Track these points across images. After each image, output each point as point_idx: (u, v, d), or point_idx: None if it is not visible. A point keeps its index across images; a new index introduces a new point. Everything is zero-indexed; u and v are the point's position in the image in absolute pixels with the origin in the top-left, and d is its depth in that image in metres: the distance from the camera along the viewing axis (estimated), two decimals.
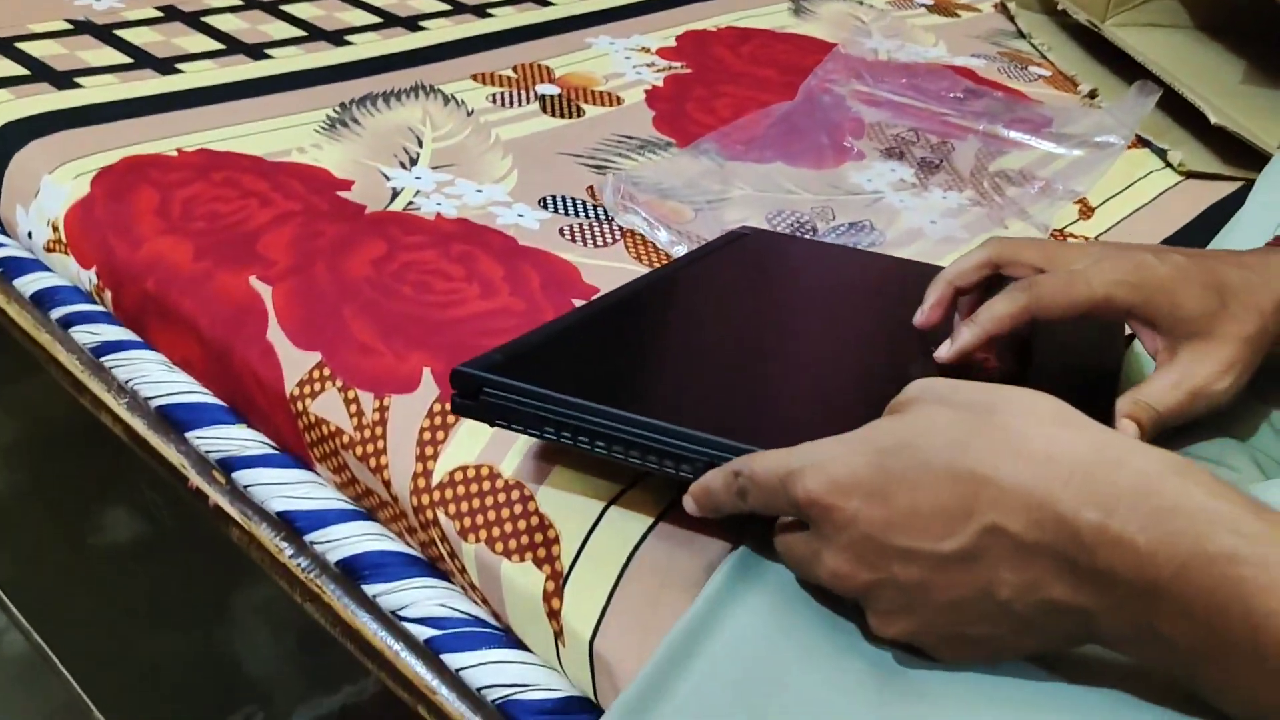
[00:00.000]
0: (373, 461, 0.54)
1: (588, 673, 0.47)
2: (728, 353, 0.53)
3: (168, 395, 0.62)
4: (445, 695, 0.49)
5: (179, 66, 0.88)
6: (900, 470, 0.35)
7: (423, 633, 0.51)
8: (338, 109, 0.83)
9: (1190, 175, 0.86)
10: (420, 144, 0.80)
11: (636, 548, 0.47)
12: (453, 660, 0.50)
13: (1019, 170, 0.85)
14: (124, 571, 0.90)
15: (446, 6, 1.06)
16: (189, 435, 0.61)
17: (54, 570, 0.98)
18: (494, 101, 0.87)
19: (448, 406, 0.54)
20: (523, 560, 0.49)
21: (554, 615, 0.47)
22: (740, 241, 0.65)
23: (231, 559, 0.59)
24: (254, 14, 0.99)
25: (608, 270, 0.66)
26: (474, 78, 0.91)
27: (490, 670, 0.49)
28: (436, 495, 0.52)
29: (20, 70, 0.83)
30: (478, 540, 0.50)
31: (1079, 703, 0.35)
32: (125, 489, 0.83)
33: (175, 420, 0.62)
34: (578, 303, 0.62)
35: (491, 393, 0.45)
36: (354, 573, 0.53)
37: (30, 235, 0.73)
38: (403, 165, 0.77)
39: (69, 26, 0.92)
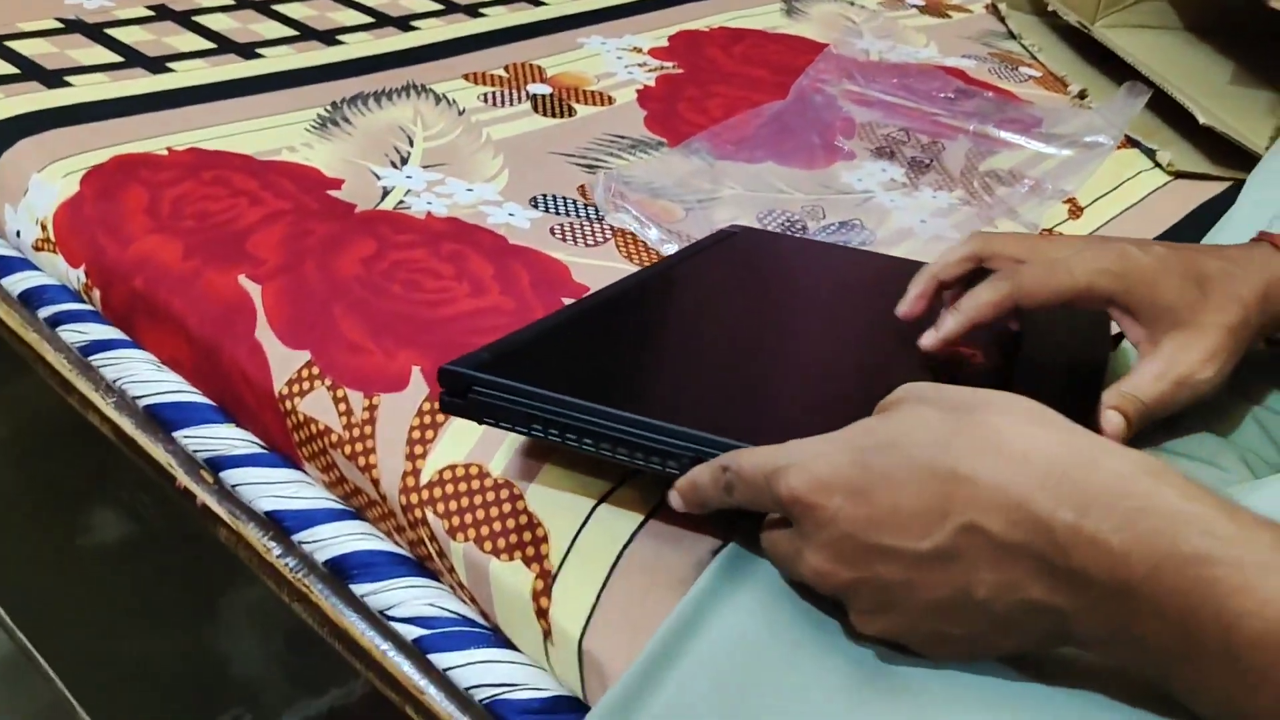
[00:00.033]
0: (361, 460, 0.54)
1: (576, 672, 0.47)
2: (716, 350, 0.53)
3: (156, 394, 0.62)
4: (433, 695, 0.49)
5: (170, 65, 0.87)
6: (882, 469, 0.35)
7: (411, 632, 0.51)
8: (328, 108, 0.83)
9: (1179, 175, 0.86)
10: (411, 143, 0.80)
11: (626, 546, 0.47)
12: (441, 660, 0.50)
13: (1009, 170, 0.85)
14: (111, 571, 0.89)
15: (438, 6, 1.06)
16: (177, 434, 0.61)
17: (40, 569, 0.98)
18: (485, 101, 0.87)
19: (437, 405, 0.54)
20: (511, 559, 0.49)
21: (543, 614, 0.47)
22: (730, 240, 0.65)
23: (219, 559, 0.59)
24: (245, 13, 0.99)
25: (598, 269, 0.66)
26: (465, 77, 0.91)
27: (478, 670, 0.49)
28: (425, 494, 0.51)
29: (10, 69, 0.83)
30: (466, 539, 0.50)
31: (1061, 703, 0.35)
32: (113, 488, 0.82)
33: (163, 419, 0.61)
34: (568, 302, 0.62)
35: (479, 391, 0.45)
36: (342, 572, 0.53)
37: (19, 234, 0.73)
38: (393, 164, 0.76)
39: (59, 25, 0.92)
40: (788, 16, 1.14)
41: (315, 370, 0.57)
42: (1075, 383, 0.50)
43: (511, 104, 0.87)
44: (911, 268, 0.53)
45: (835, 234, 0.75)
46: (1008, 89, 1.00)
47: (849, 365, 0.53)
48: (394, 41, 0.97)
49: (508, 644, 0.50)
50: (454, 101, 0.86)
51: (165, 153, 0.75)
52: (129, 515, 0.83)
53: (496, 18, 1.04)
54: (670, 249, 0.69)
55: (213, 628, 0.78)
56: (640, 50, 1.00)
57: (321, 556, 0.54)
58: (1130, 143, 0.90)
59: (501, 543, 0.49)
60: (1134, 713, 0.35)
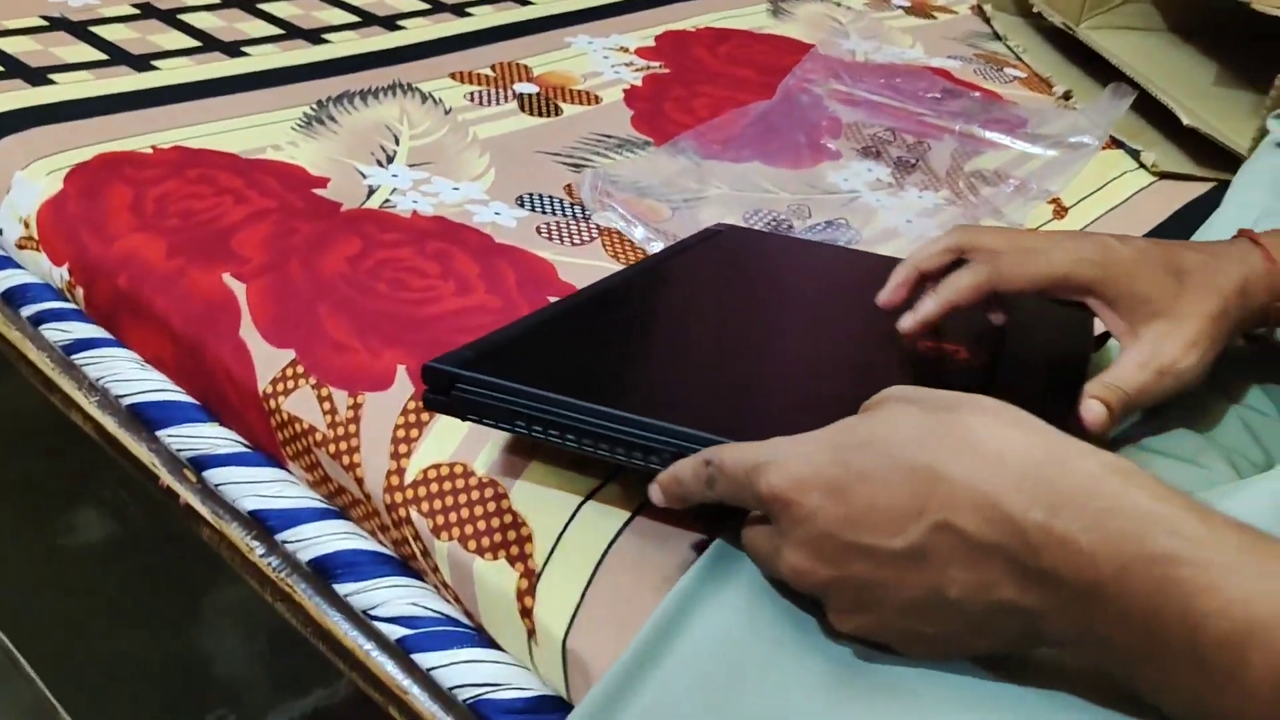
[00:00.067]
0: (346, 459, 0.54)
1: (560, 671, 0.47)
2: (700, 348, 0.53)
3: (139, 393, 0.62)
4: (416, 695, 0.49)
5: (155, 64, 0.87)
6: (860, 467, 0.35)
7: (394, 632, 0.51)
8: (314, 107, 0.83)
9: (1163, 176, 0.87)
10: (397, 142, 0.79)
11: (610, 545, 0.47)
12: (424, 660, 0.49)
13: (994, 170, 0.85)
14: (93, 571, 0.89)
15: (425, 6, 1.05)
16: (160, 434, 0.60)
17: (21, 569, 0.97)
18: (472, 100, 0.87)
19: (421, 404, 0.54)
20: (496, 558, 0.48)
21: (527, 613, 0.47)
22: (715, 238, 0.66)
23: (203, 559, 0.59)
24: (231, 12, 0.99)
25: (584, 268, 0.66)
26: (452, 76, 0.91)
27: (462, 670, 0.48)
28: (409, 493, 0.51)
29: None
30: (450, 538, 0.50)
31: (1039, 703, 0.35)
32: (95, 488, 0.82)
33: (146, 418, 0.61)
34: (554, 300, 0.62)
35: (463, 388, 0.45)
36: (325, 572, 0.53)
37: (1, 232, 0.72)
38: (379, 163, 0.76)
39: (44, 23, 0.91)
40: (774, 17, 1.14)
41: (300, 369, 0.57)
42: (1058, 378, 0.50)
43: (498, 103, 0.87)
44: (896, 265, 0.53)
45: (821, 233, 0.75)
46: (993, 90, 1.01)
47: (833, 362, 0.53)
48: (380, 40, 0.97)
49: (492, 644, 0.50)
50: (440, 100, 0.86)
51: (150, 151, 0.74)
52: (112, 515, 0.83)
53: (483, 17, 1.04)
54: (656, 247, 0.69)
55: (196, 628, 0.78)
56: (627, 50, 1.00)
57: (305, 556, 0.54)
58: (1115, 143, 0.91)
59: (486, 542, 0.49)
60: (1112, 714, 0.35)
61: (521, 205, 0.73)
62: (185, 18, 0.96)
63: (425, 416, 0.53)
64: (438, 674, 0.49)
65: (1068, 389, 0.47)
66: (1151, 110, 0.92)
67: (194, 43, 0.92)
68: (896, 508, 0.35)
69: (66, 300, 0.69)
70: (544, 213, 0.72)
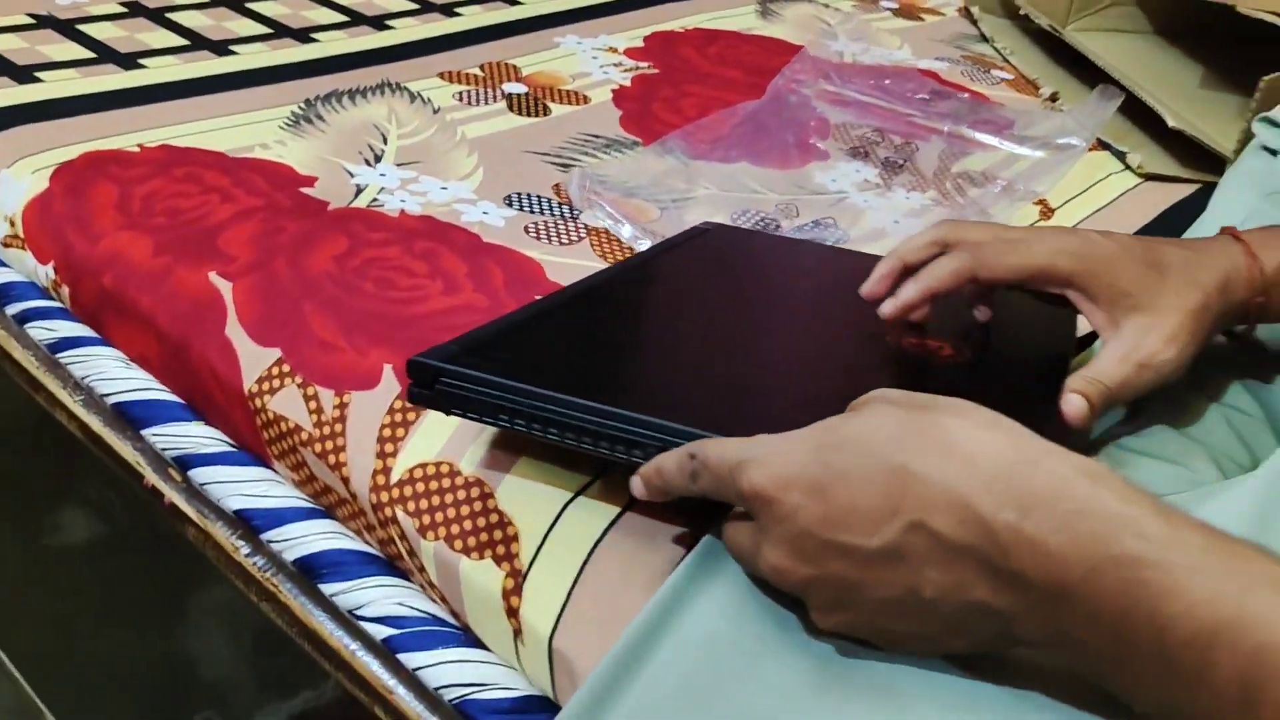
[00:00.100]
0: (332, 459, 0.54)
1: (546, 671, 0.47)
2: (686, 344, 0.54)
3: (124, 392, 0.61)
4: (402, 695, 0.49)
5: (142, 62, 0.87)
6: (841, 467, 0.36)
7: (380, 632, 0.50)
8: (302, 105, 0.83)
9: (1149, 177, 0.87)
10: (385, 141, 0.79)
11: (596, 544, 0.47)
12: (410, 659, 0.49)
13: (981, 171, 0.86)
14: (77, 571, 0.89)
15: (414, 5, 1.05)
16: (145, 433, 0.60)
17: (5, 569, 0.96)
18: (460, 100, 0.87)
19: (408, 402, 0.54)
20: (482, 558, 0.48)
21: (513, 613, 0.47)
22: (702, 236, 0.66)
23: (189, 559, 0.59)
24: (219, 11, 0.99)
25: (572, 268, 0.66)
26: (441, 76, 0.91)
27: (448, 670, 0.48)
28: (396, 493, 0.51)
29: None
30: (437, 538, 0.50)
31: (1023, 703, 0.36)
32: (80, 487, 0.82)
33: (132, 417, 0.61)
34: (540, 297, 0.62)
35: (447, 382, 0.45)
36: (311, 571, 0.53)
37: None
38: (367, 162, 0.76)
39: (31, 21, 0.91)
40: (762, 18, 1.14)
41: (286, 368, 0.57)
42: (1040, 374, 0.51)
43: (487, 103, 0.87)
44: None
45: (809, 233, 0.75)
46: (980, 91, 1.01)
47: (818, 359, 0.54)
48: (369, 40, 0.97)
49: (478, 643, 0.50)
50: (429, 100, 0.86)
51: (136, 149, 0.74)
52: (97, 515, 0.82)
53: (472, 17, 1.04)
54: (644, 246, 0.69)
55: (182, 628, 0.78)
56: (616, 50, 1.01)
57: (290, 555, 0.54)
58: (1101, 145, 0.91)
59: (472, 541, 0.49)
60: (1091, 716, 0.35)
61: (510, 205, 0.73)
62: (173, 16, 0.96)
63: (411, 415, 0.53)
64: (424, 674, 0.49)
65: (1050, 385, 0.47)
66: (1137, 112, 0.92)
67: (182, 41, 0.92)
68: (873, 507, 0.35)
69: (52, 299, 0.69)
70: (532, 212, 0.72)
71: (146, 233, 0.66)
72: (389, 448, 0.52)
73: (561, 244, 0.69)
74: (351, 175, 0.74)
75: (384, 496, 0.52)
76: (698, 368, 0.51)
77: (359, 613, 0.51)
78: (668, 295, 0.59)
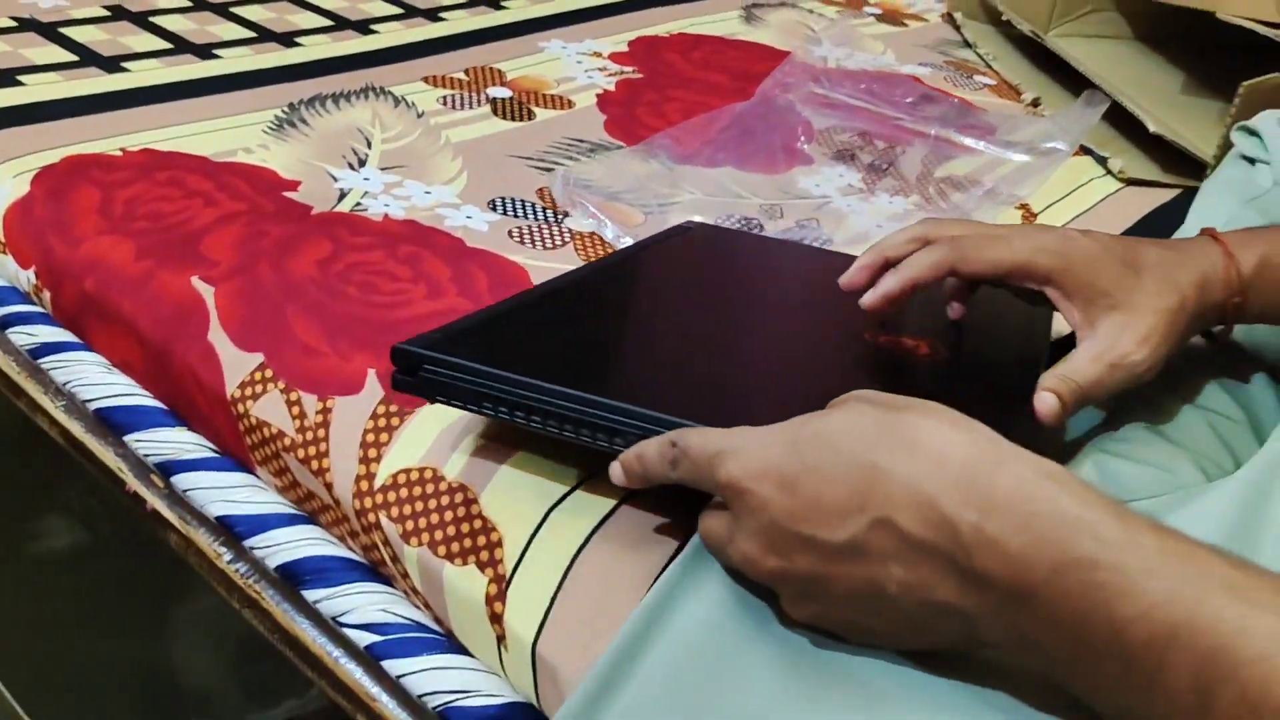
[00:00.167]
0: (315, 464, 0.54)
1: (530, 677, 0.47)
2: (668, 336, 0.54)
3: (106, 398, 0.61)
4: (385, 703, 0.49)
5: (125, 65, 0.86)
6: (813, 461, 0.36)
7: (363, 639, 0.50)
8: (286, 109, 0.82)
9: (1130, 182, 0.88)
10: (369, 145, 0.79)
11: (580, 550, 0.47)
12: (394, 667, 0.49)
13: (964, 176, 0.86)
14: (59, 578, 0.88)
15: (398, 10, 1.05)
16: (127, 438, 0.60)
17: None
18: (445, 104, 0.87)
19: (392, 408, 0.54)
20: (465, 564, 0.48)
21: (496, 619, 0.47)
22: (685, 234, 0.66)
23: (172, 566, 0.59)
24: (203, 15, 0.98)
25: (557, 272, 0.66)
26: (425, 80, 0.91)
27: (431, 677, 0.48)
28: (379, 498, 0.51)
29: None
30: (420, 544, 0.49)
31: (1008, 704, 0.36)
32: (62, 494, 0.81)
33: (114, 423, 0.61)
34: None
35: (430, 369, 0.45)
36: (294, 578, 0.53)
37: None
38: (351, 166, 0.76)
39: (13, 24, 0.90)
40: (747, 23, 1.15)
41: (268, 373, 0.57)
42: (1014, 373, 0.51)
43: (471, 107, 0.87)
44: None
45: (792, 236, 0.75)
46: (963, 97, 1.02)
47: (799, 355, 0.54)
48: (353, 44, 0.96)
49: (461, 650, 0.50)
50: (413, 104, 0.86)
51: (119, 153, 0.74)
52: (79, 521, 0.82)
53: (457, 21, 1.04)
54: (627, 244, 0.70)
55: (165, 636, 0.77)
56: (600, 55, 1.01)
57: (273, 562, 0.54)
58: (1083, 150, 0.92)
59: (456, 547, 0.49)
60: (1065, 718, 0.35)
61: (494, 209, 0.73)
62: (157, 20, 0.96)
63: (395, 421, 0.53)
64: (407, 681, 0.49)
65: (1025, 383, 0.48)
66: (1118, 117, 0.93)
67: (165, 45, 0.91)
68: (840, 502, 0.35)
69: (33, 304, 0.68)
70: (516, 216, 0.72)
71: (129, 237, 0.65)
72: (372, 453, 0.52)
73: (546, 248, 0.69)
74: (335, 179, 0.74)
75: (367, 502, 0.51)
76: (679, 360, 0.51)
77: (342, 619, 0.51)
78: (650, 289, 0.60)
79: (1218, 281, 0.50)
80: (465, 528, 0.49)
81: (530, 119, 0.87)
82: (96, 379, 0.62)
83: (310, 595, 0.52)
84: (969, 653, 0.37)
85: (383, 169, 0.76)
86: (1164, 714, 0.31)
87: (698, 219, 0.74)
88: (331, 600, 0.52)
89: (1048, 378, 0.47)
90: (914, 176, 0.85)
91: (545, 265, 0.67)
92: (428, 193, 0.74)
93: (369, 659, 0.50)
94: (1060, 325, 0.58)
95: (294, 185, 0.73)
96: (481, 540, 0.48)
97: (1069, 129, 0.91)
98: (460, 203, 0.73)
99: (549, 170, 0.79)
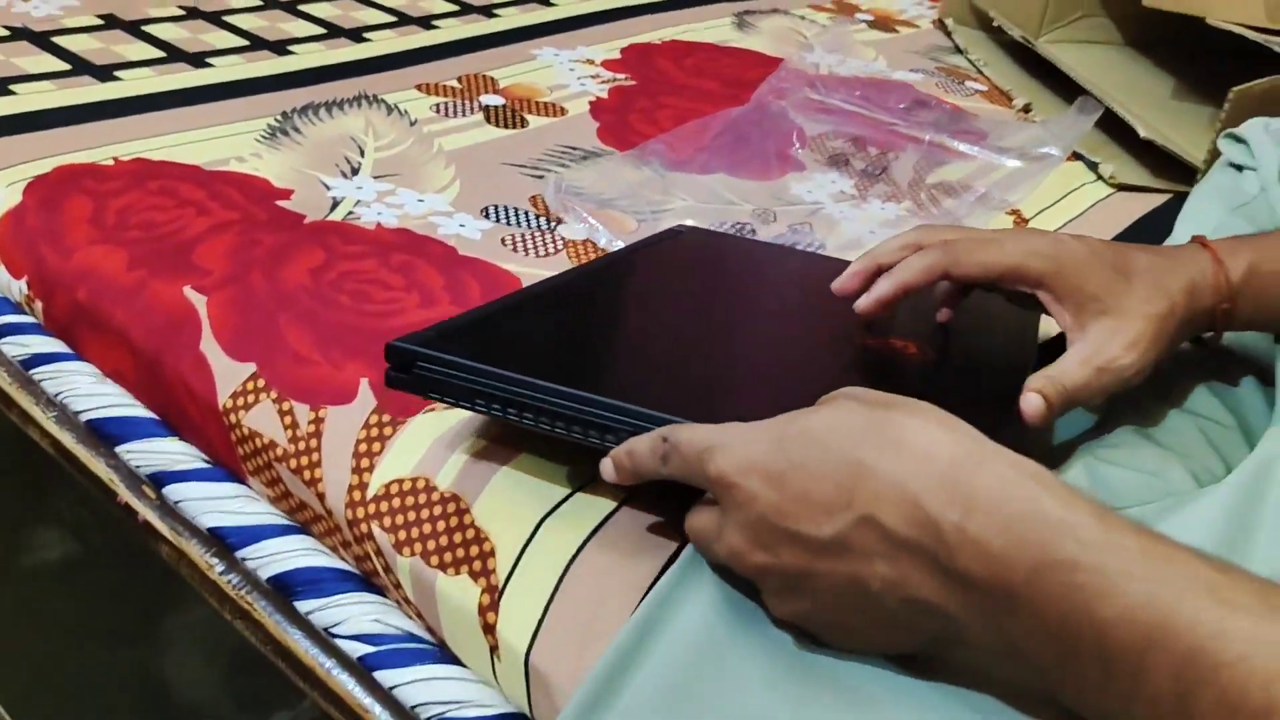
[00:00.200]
0: (307, 474, 0.54)
1: (523, 688, 0.46)
2: (659, 335, 0.54)
3: (98, 408, 0.61)
4: (378, 714, 0.49)
5: (117, 74, 0.86)
6: (800, 457, 0.36)
7: (356, 649, 0.50)
8: (279, 118, 0.82)
9: (1121, 188, 0.88)
10: (362, 153, 0.79)
11: (573, 560, 0.47)
12: (386, 678, 0.49)
13: (956, 181, 0.86)
14: (51, 590, 0.88)
15: (391, 19, 1.05)
16: (119, 449, 0.60)
17: None
18: (437, 111, 0.87)
19: (385, 418, 0.53)
20: (458, 574, 0.48)
21: (489, 629, 0.47)
22: (678, 237, 0.67)
23: (161, 577, 0.58)
24: (195, 24, 0.98)
25: None
26: (418, 88, 0.91)
27: (424, 688, 0.48)
28: (372, 508, 0.51)
29: None
30: (413, 554, 0.49)
31: (996, 710, 0.36)
32: (53, 505, 0.81)
33: (105, 434, 0.60)
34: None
35: (424, 366, 0.46)
36: (286, 589, 0.53)
37: None
38: (344, 174, 0.76)
39: (6, 33, 0.90)
40: (739, 30, 1.15)
41: (261, 382, 0.57)
42: (1002, 375, 0.52)
43: (464, 115, 0.87)
44: None
45: (784, 240, 0.75)
46: (954, 103, 1.02)
47: (788, 354, 0.55)
48: (346, 52, 0.96)
49: (454, 660, 0.50)
50: (406, 112, 0.86)
51: (111, 162, 0.74)
52: (70, 533, 0.82)
53: (449, 29, 1.04)
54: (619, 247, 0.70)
55: (156, 647, 0.77)
56: (593, 62, 1.01)
57: (265, 573, 0.53)
58: (1074, 155, 0.92)
59: (448, 557, 0.49)
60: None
61: (487, 217, 0.73)
62: (149, 29, 0.96)
63: (388, 431, 0.53)
64: (400, 692, 0.49)
65: (1012, 385, 0.48)
66: (1109, 122, 0.93)
67: (158, 53, 0.91)
68: (826, 498, 0.35)
69: (25, 314, 0.68)
70: (509, 224, 0.73)
71: (121, 246, 0.65)
72: (365, 463, 0.52)
73: (539, 256, 0.70)
74: (328, 188, 0.74)
75: (360, 512, 0.51)
76: (671, 359, 0.52)
77: (334, 630, 0.51)
78: (643, 290, 0.60)
79: (1207, 288, 0.50)
80: (458, 538, 0.49)
81: (523, 126, 0.87)
82: (88, 389, 0.62)
83: (302, 606, 0.52)
84: (956, 657, 0.37)
85: (375, 177, 0.76)
86: (1146, 718, 0.31)
87: (690, 223, 0.74)
88: (324, 611, 0.51)
89: (1035, 379, 0.47)
90: (906, 182, 0.86)
91: (538, 273, 0.67)
92: (420, 201, 0.74)
93: (362, 670, 0.50)
94: (1048, 328, 0.59)
95: (287, 194, 0.73)
96: (474, 550, 0.48)
97: (1061, 135, 0.91)
98: (453, 211, 0.73)
99: (542, 178, 0.79)
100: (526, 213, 0.74)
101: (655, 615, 0.40)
